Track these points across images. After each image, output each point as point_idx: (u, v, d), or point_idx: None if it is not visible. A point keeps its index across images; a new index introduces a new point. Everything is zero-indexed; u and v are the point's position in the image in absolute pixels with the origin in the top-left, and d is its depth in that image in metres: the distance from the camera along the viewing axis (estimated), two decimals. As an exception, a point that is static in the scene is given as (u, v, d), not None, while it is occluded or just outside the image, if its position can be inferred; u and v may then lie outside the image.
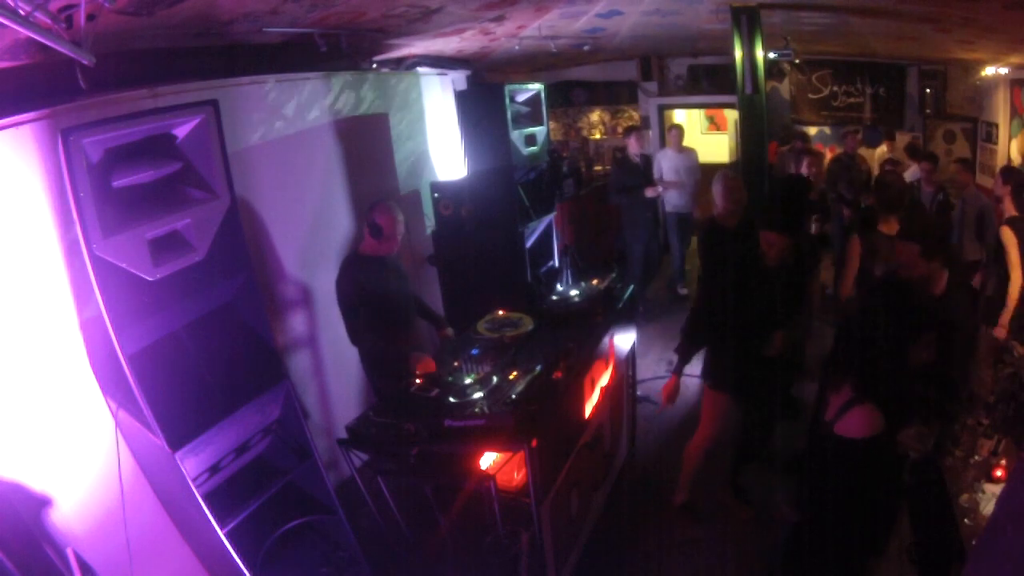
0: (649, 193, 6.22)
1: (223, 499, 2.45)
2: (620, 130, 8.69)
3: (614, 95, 8.67)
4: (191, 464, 2.30)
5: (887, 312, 1.91)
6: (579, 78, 8.63)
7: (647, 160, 6.49)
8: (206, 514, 2.31)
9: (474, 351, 3.05)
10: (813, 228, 4.19)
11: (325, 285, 3.47)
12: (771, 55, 5.57)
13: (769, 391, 3.37)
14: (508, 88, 4.13)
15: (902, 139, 7.39)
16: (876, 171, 6.66)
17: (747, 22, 4.73)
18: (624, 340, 3.83)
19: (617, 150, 8.69)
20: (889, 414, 1.82)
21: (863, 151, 7.02)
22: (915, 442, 2.40)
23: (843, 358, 1.98)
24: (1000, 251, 4.06)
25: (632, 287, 4.07)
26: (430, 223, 4.50)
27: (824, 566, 2.13)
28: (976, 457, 2.55)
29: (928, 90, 7.21)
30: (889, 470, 1.87)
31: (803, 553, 2.26)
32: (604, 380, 3.42)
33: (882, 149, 7.28)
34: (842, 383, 1.94)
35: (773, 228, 3.11)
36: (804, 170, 5.13)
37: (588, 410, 3.20)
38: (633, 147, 6.39)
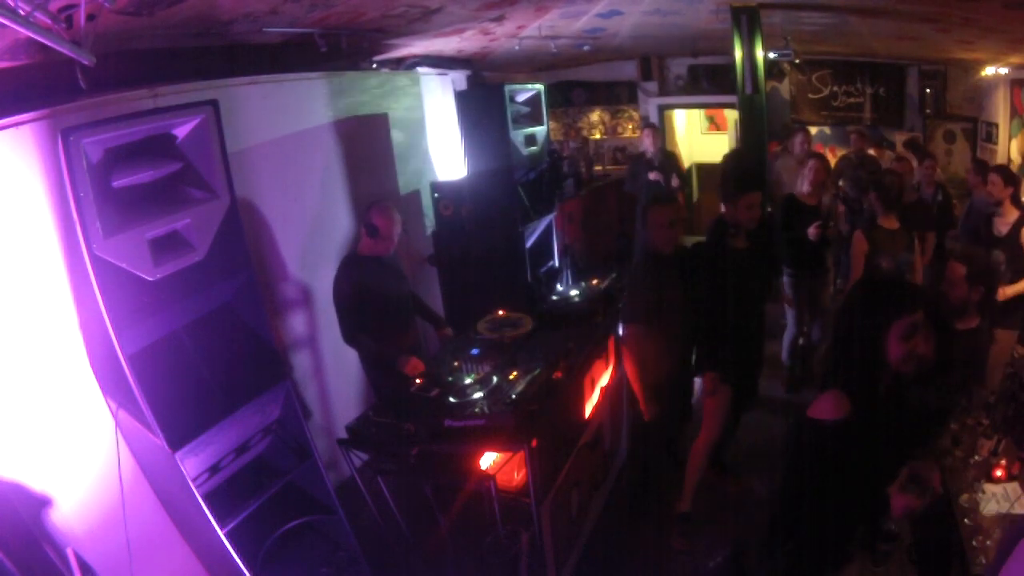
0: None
1: (223, 499, 2.45)
2: (620, 130, 8.70)
3: (614, 95, 8.66)
4: (191, 464, 2.30)
5: (863, 304, 1.93)
6: (579, 78, 8.62)
7: (668, 156, 6.53)
8: (206, 514, 2.31)
9: (474, 351, 3.05)
10: (811, 234, 4.12)
11: (325, 285, 3.47)
12: (771, 55, 5.56)
13: (752, 369, 3.71)
14: (508, 88, 4.12)
15: (899, 138, 7.36)
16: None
17: (747, 22, 4.74)
18: (624, 340, 3.83)
19: (617, 150, 8.69)
20: (862, 403, 1.84)
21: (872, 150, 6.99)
22: (910, 483, 2.30)
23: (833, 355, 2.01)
24: None
25: None
26: (430, 223, 4.50)
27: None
28: (976, 457, 2.55)
29: (928, 90, 7.19)
30: (858, 460, 1.87)
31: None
32: (604, 380, 3.42)
33: (890, 152, 7.26)
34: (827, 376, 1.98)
35: (750, 189, 3.40)
36: (808, 174, 4.39)
37: (588, 410, 3.20)
38: (648, 144, 6.42)
